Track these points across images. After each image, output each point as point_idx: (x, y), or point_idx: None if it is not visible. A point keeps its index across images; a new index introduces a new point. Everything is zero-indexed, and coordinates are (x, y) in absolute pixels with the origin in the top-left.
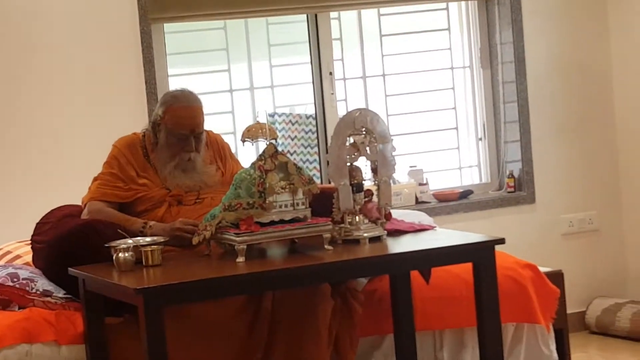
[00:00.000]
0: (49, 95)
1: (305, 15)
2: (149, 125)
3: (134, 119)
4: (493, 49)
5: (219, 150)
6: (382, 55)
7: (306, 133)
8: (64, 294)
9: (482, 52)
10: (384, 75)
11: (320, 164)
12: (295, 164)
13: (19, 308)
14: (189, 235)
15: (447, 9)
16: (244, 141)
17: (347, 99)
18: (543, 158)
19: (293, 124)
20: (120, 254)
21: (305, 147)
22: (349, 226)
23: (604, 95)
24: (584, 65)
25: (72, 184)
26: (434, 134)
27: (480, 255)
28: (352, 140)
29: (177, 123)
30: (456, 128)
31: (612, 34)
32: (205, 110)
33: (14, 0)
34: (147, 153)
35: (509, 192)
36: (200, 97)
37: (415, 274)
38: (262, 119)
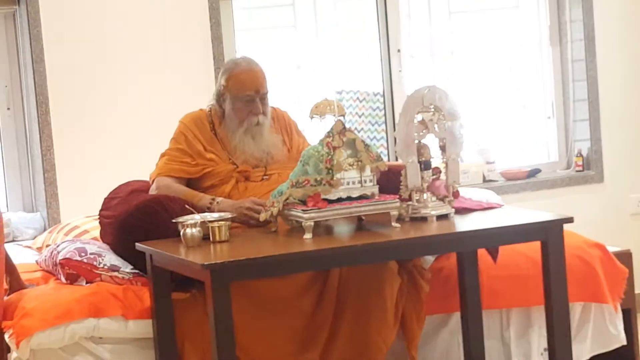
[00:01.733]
0: (117, 72)
1: None
2: (214, 98)
3: (202, 96)
4: (562, 27)
5: (286, 126)
6: (451, 33)
7: (373, 110)
8: (131, 269)
9: (552, 30)
10: (452, 52)
11: (387, 141)
12: (363, 141)
13: (87, 283)
14: (257, 215)
15: None
16: (312, 117)
17: (415, 76)
18: (612, 137)
19: (360, 101)
20: (187, 230)
21: (373, 125)
22: (416, 204)
23: None
24: None
25: (140, 159)
26: (502, 112)
27: (549, 234)
28: (420, 118)
29: (241, 86)
30: (525, 106)
31: None
32: (273, 87)
33: None
34: (214, 127)
35: (577, 171)
36: (267, 73)
37: (482, 252)
38: (330, 96)
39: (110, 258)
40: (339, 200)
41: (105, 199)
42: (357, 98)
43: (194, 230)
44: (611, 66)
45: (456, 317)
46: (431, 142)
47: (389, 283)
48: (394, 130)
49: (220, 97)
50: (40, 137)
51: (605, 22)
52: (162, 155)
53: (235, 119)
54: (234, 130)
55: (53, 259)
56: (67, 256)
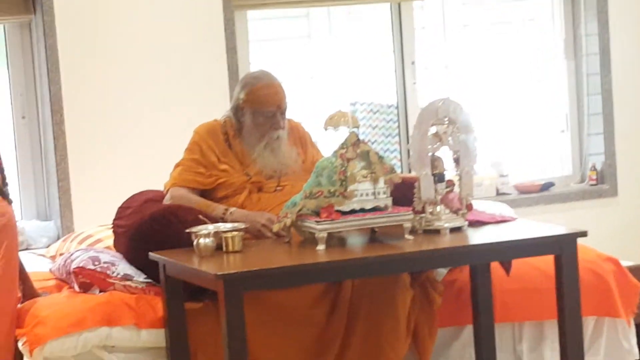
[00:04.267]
0: (133, 82)
1: (389, 4)
2: (231, 111)
3: (217, 106)
4: (578, 40)
5: (300, 138)
6: (465, 46)
7: (387, 122)
8: (145, 278)
9: (567, 44)
10: (467, 65)
11: (401, 153)
12: (377, 153)
13: (100, 291)
14: (270, 234)
15: None
16: (326, 129)
17: (429, 88)
18: (627, 151)
19: (374, 113)
20: (201, 240)
21: (386, 137)
22: (429, 216)
23: None
24: None
25: (154, 169)
26: (517, 125)
27: (563, 247)
28: (434, 130)
29: (263, 101)
30: (539, 120)
31: None
32: (286, 96)
33: None
34: (228, 139)
35: (591, 185)
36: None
37: (495, 265)
38: (344, 108)
39: (123, 267)
40: (352, 211)
41: (119, 208)
42: (371, 110)
43: (207, 240)
44: (626, 80)
45: (469, 330)
46: (445, 154)
47: (401, 295)
48: (408, 142)
49: (238, 110)
50: (54, 146)
51: (620, 36)
52: (177, 165)
53: (256, 133)
54: (254, 144)
55: (67, 267)
56: (80, 265)
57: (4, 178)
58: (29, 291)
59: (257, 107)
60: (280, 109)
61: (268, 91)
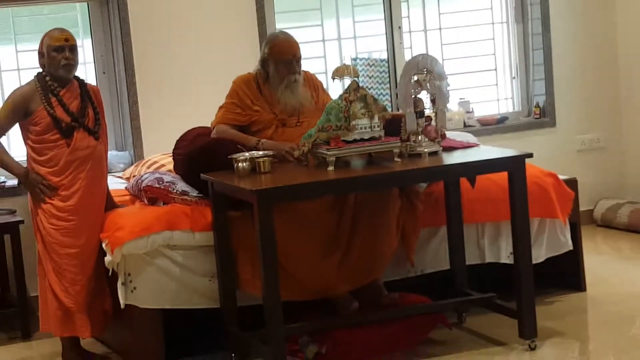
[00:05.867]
0: (189, 46)
1: None
2: (260, 64)
3: (250, 62)
4: (525, 7)
5: (314, 86)
6: (439, 14)
7: (380, 73)
8: (197, 193)
9: (516, 10)
10: (440, 28)
11: (391, 96)
12: (372, 96)
13: (164, 204)
14: (292, 159)
15: None
16: (333, 79)
17: (412, 47)
18: (562, 92)
19: (370, 66)
20: (239, 164)
21: (380, 84)
22: (413, 144)
23: (610, 42)
24: (595, 19)
25: (204, 110)
26: (479, 74)
27: (514, 166)
28: (416, 78)
29: (282, 52)
30: (495, 69)
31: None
32: (302, 55)
33: None
34: (260, 86)
35: (535, 118)
36: (299, 44)
37: (463, 180)
38: (347, 62)
39: (181, 185)
40: (354, 141)
41: (177, 140)
42: (368, 63)
43: (244, 164)
44: (562, 39)
45: (443, 229)
46: (424, 96)
47: (392, 204)
48: (396, 88)
49: (265, 62)
50: (128, 94)
51: (557, 4)
52: (220, 107)
53: (278, 78)
54: (277, 86)
55: (138, 186)
56: (149, 184)
57: (96, 119)
58: (110, 204)
59: (278, 57)
60: (295, 57)
61: (286, 44)
